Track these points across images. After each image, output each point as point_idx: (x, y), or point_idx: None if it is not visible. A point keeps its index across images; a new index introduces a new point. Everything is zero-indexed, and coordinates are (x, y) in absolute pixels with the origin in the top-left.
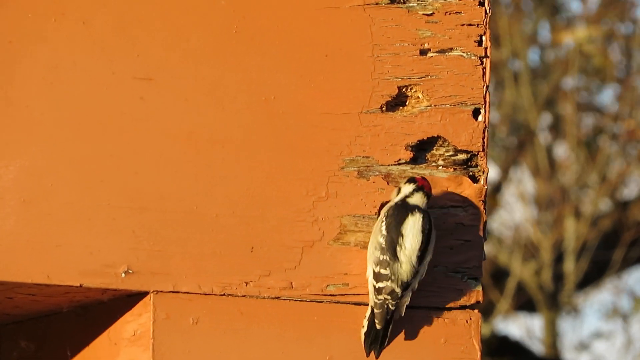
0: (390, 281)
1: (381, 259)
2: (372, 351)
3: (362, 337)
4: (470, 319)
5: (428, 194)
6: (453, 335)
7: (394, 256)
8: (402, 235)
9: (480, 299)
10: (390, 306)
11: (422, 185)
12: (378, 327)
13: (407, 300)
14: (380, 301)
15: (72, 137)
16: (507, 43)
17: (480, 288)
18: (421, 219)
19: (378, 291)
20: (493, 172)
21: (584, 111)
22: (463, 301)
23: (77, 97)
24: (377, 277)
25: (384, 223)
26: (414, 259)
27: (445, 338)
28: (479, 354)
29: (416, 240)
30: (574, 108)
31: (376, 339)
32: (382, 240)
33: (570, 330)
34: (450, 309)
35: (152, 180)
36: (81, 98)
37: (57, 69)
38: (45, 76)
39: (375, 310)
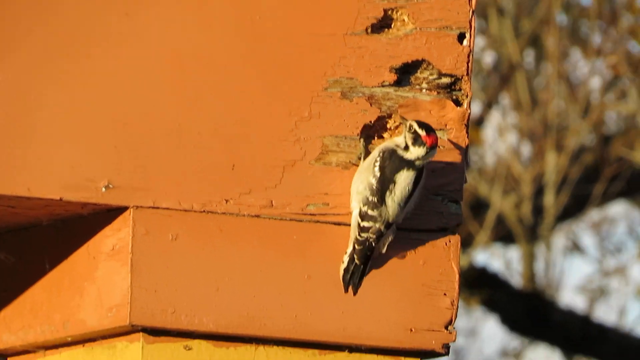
0: (376, 222)
1: (370, 199)
2: (350, 286)
3: (341, 272)
4: (450, 241)
5: (435, 150)
6: (432, 257)
7: (383, 199)
8: (395, 182)
9: (460, 222)
10: (372, 243)
11: (433, 145)
12: (357, 263)
13: (390, 239)
14: (363, 239)
15: (56, 50)
16: None
17: (460, 211)
18: (414, 173)
19: (362, 229)
20: (476, 106)
21: (567, 45)
22: (443, 224)
23: (60, 13)
24: (364, 216)
25: (377, 163)
26: (402, 204)
27: (424, 260)
28: (457, 276)
29: (407, 190)
30: (557, 42)
31: (354, 275)
32: (373, 181)
33: (545, 263)
34: (429, 231)
35: (136, 96)
36: (65, 13)
37: None
38: None
39: (356, 247)
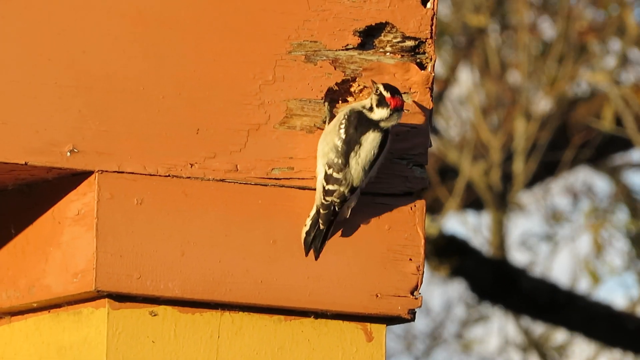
0: (341, 185)
1: (335, 161)
2: (312, 250)
3: (303, 235)
4: (415, 206)
5: (401, 113)
6: (397, 222)
7: (347, 161)
8: (360, 144)
9: (426, 186)
10: (336, 207)
11: (396, 107)
12: (322, 227)
13: (353, 203)
14: (327, 202)
15: (20, 14)
16: None
17: (425, 175)
18: (380, 137)
19: (327, 193)
20: (440, 70)
21: (536, 10)
22: (408, 188)
23: None
24: (328, 179)
25: (343, 126)
26: (367, 167)
27: (389, 225)
28: (422, 241)
29: (372, 153)
30: (526, 7)
31: (316, 239)
32: (338, 143)
33: (516, 229)
34: (394, 195)
35: (99, 60)
36: None
37: None
38: None
39: (321, 211)
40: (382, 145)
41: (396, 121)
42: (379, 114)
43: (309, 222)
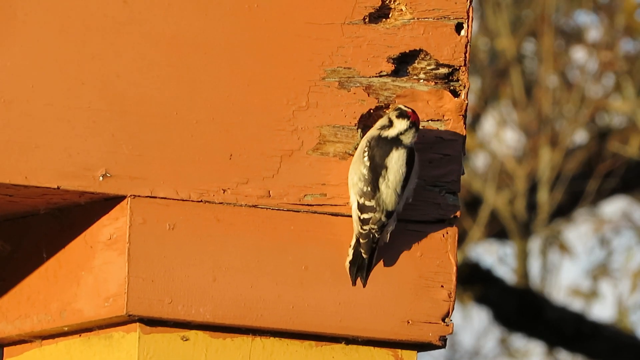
0: (375, 212)
1: (365, 190)
2: (358, 278)
3: (347, 265)
4: (447, 233)
5: (418, 130)
6: (429, 249)
7: (377, 187)
8: (386, 168)
9: (458, 213)
10: (375, 234)
11: (414, 122)
12: (365, 256)
13: (391, 228)
14: (366, 231)
15: (55, 38)
16: None
17: (457, 203)
18: (405, 154)
19: (363, 222)
20: (471, 100)
21: (563, 39)
22: (440, 215)
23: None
24: (362, 208)
25: (366, 153)
26: (399, 189)
27: (421, 252)
28: (454, 268)
29: (400, 172)
30: (552, 36)
31: (362, 267)
32: (365, 172)
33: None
34: (427, 222)
35: (133, 84)
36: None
37: None
38: None
39: (361, 241)
40: (409, 163)
41: (413, 137)
42: (399, 126)
43: (351, 252)
